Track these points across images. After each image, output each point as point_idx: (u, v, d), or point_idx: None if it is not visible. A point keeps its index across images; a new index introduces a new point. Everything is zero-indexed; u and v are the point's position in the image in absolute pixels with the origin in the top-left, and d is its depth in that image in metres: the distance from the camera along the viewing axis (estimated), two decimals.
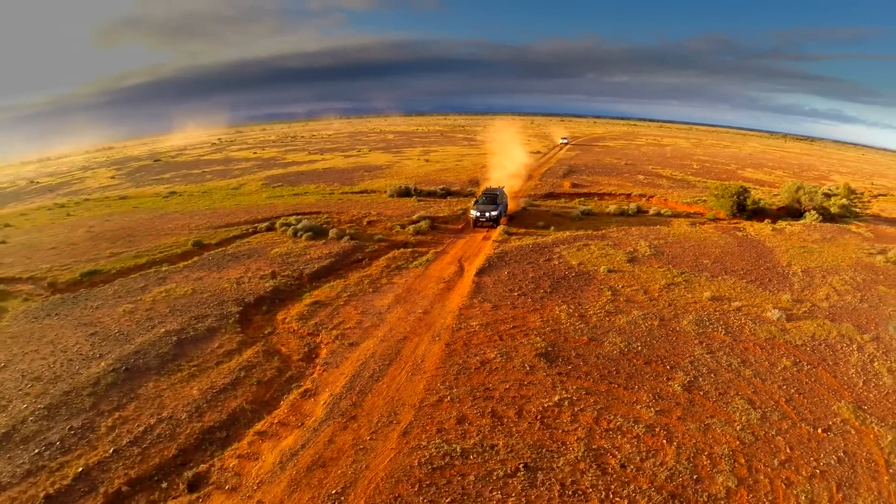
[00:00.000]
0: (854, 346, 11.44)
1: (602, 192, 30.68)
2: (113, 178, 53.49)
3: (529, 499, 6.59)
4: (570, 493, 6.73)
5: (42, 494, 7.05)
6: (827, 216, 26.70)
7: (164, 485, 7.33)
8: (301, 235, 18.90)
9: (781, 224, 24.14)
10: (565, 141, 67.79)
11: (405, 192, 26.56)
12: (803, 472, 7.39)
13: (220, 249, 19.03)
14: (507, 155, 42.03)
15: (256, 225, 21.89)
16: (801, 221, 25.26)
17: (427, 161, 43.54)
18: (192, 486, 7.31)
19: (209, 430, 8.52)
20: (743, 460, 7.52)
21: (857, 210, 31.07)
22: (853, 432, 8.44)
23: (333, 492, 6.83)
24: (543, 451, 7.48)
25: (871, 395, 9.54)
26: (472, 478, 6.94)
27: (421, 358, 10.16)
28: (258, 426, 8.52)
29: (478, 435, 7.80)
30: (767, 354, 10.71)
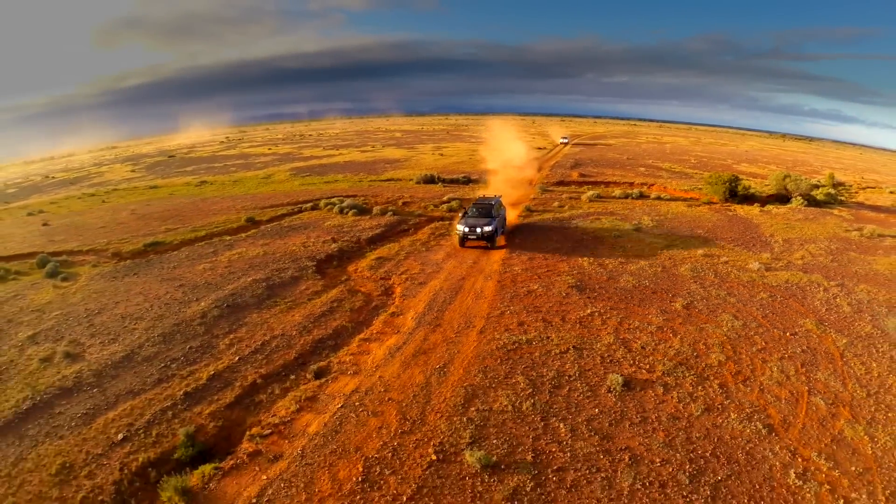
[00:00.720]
0: (821, 288, 14.35)
1: (607, 181, 33.67)
2: (133, 171, 56.15)
3: (580, 364, 9.49)
4: (608, 361, 9.65)
5: (180, 393, 9.58)
6: (812, 202, 29.70)
7: (293, 377, 9.98)
8: (347, 212, 21.75)
9: (769, 207, 27.14)
10: (565, 140, 67.22)
11: (430, 180, 29.48)
12: (775, 356, 10.26)
13: (273, 224, 21.84)
14: (514, 150, 45.03)
15: (300, 206, 24.74)
16: (788, 206, 28.28)
17: (442, 155, 46.64)
18: (318, 374, 9.95)
19: (319, 341, 11.30)
20: (729, 347, 10.40)
21: (843, 198, 34.05)
22: (815, 337, 11.31)
23: (437, 367, 9.65)
24: (584, 339, 10.41)
25: (831, 317, 12.42)
26: (536, 354, 9.84)
27: (480, 290, 13.13)
28: (361, 335, 11.34)
29: (535, 332, 10.71)
30: (748, 290, 13.64)
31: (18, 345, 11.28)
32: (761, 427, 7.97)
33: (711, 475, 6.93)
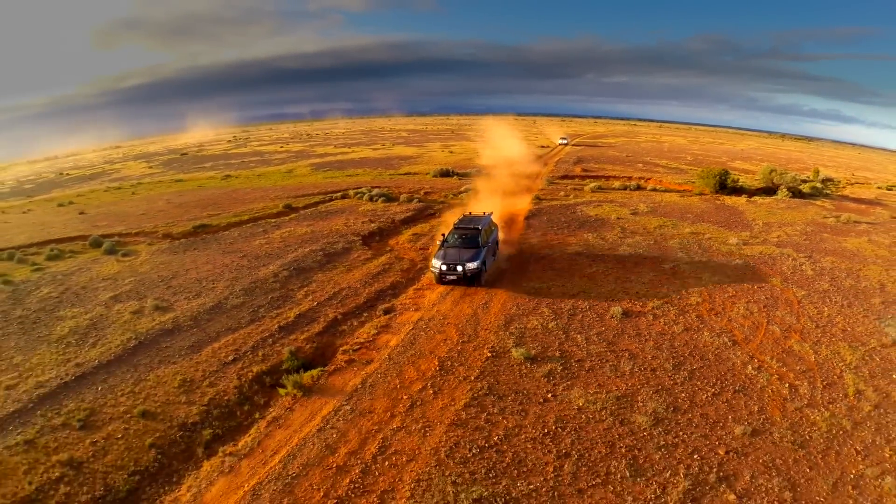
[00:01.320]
0: (790, 258, 17.22)
1: (608, 175, 36.60)
2: (150, 168, 58.80)
3: (589, 301, 12.44)
4: (611, 300, 12.62)
5: (274, 327, 12.46)
6: (798, 194, 32.63)
7: (366, 314, 12.88)
8: (377, 200, 24.60)
9: (756, 198, 30.06)
10: (564, 141, 65.57)
11: (446, 173, 32.37)
12: (743, 300, 13.14)
13: (310, 209, 24.66)
14: (519, 149, 48.04)
15: (330, 195, 27.57)
16: (774, 197, 31.21)
17: (451, 152, 49.62)
18: (387, 312, 12.88)
19: (380, 291, 14.17)
20: (706, 293, 13.31)
21: (829, 192, 37.02)
22: (778, 289, 14.18)
23: (481, 304, 12.65)
24: (591, 287, 13.39)
25: (795, 277, 15.29)
26: (555, 295, 12.77)
27: (505, 257, 16.05)
28: (414, 287, 14.27)
29: (552, 281, 13.74)
30: (726, 258, 16.54)
31: (103, 303, 13.87)
32: (727, 341, 10.85)
33: (688, 366, 9.81)
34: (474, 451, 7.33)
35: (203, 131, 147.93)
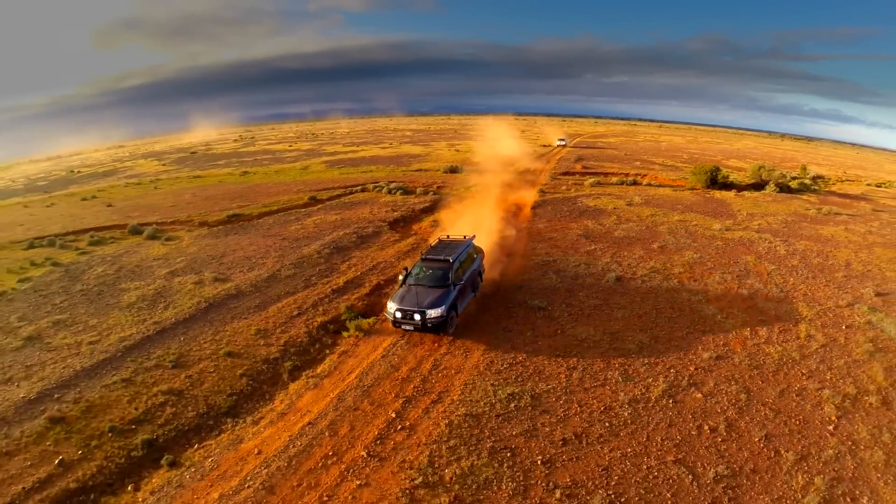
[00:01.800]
0: (767, 241, 19.73)
1: (606, 171, 39.15)
2: (163, 165, 61.11)
3: (588, 270, 14.96)
4: (606, 269, 15.21)
5: (328, 290, 14.94)
6: (785, 189, 35.19)
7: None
8: (395, 192, 27.09)
9: (744, 193, 32.59)
10: (563, 142, 63.44)
11: (455, 170, 34.83)
12: (719, 272, 15.67)
13: (334, 201, 27.12)
14: (522, 148, 50.65)
15: (350, 189, 30.03)
16: (762, 192, 33.75)
17: (458, 151, 52.18)
18: None
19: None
20: (688, 266, 15.85)
21: (816, 188, 39.63)
22: (752, 264, 16.69)
23: (501, 271, 14.94)
24: (590, 260, 16.01)
25: (768, 255, 17.79)
26: (560, 265, 15.41)
27: (515, 238, 18.47)
28: None
29: (557, 256, 16.34)
30: (709, 240, 19.07)
31: (162, 276, 16.31)
32: (702, 298, 13.40)
33: (668, 314, 12.38)
34: (504, 365, 9.87)
35: (206, 131, 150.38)
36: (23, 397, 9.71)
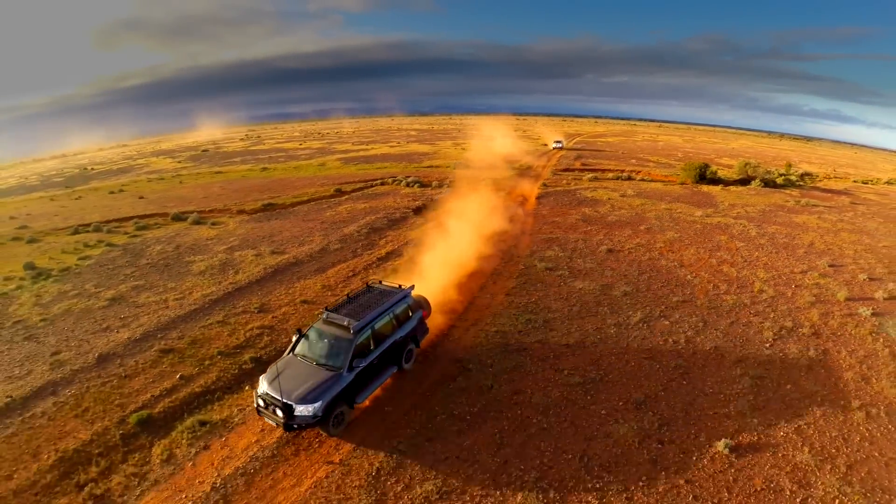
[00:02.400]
0: (741, 225, 23.09)
1: (604, 168, 42.59)
2: (179, 163, 64.26)
3: (584, 244, 18.33)
4: (600, 244, 18.64)
5: (374, 258, 18.26)
6: (770, 184, 38.64)
7: None
8: (413, 185, 30.44)
9: (731, 187, 36.00)
10: (559, 145, 61.45)
11: (464, 166, 38.16)
12: (694, 247, 19.05)
13: (358, 192, 30.41)
14: (524, 147, 54.19)
15: (370, 182, 33.37)
16: (747, 186, 37.16)
17: (463, 149, 55.62)
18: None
19: None
20: (668, 243, 19.22)
21: (801, 184, 43.09)
22: (724, 242, 20.06)
23: (513, 244, 18.30)
24: (587, 238, 19.41)
25: (740, 236, 21.16)
26: (562, 241, 18.72)
27: (524, 220, 21.95)
28: None
29: (559, 234, 19.75)
30: (689, 224, 22.47)
31: (222, 251, 19.56)
32: (677, 264, 16.77)
33: (648, 274, 15.77)
34: (521, 303, 13.28)
35: (209, 130, 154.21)
36: (128, 338, 12.60)
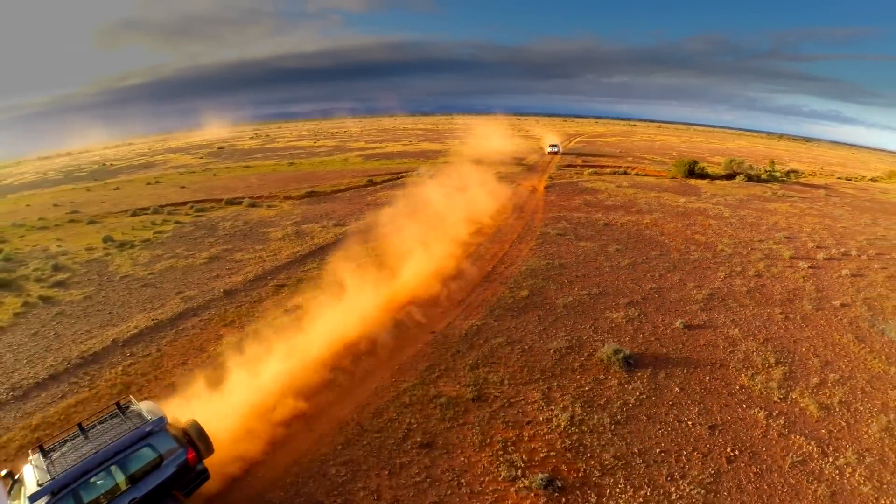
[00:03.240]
0: (718, 210, 28.23)
1: (603, 164, 47.81)
2: (200, 159, 68.75)
3: (586, 220, 23.33)
4: (599, 221, 23.49)
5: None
6: (755, 179, 43.86)
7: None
8: (437, 177, 35.36)
9: (717, 181, 41.18)
10: (555, 149, 57.62)
11: (477, 162, 43.22)
12: (674, 223, 24.16)
13: (389, 182, 35.44)
14: (528, 146, 59.35)
15: (397, 174, 38.38)
16: (732, 180, 42.36)
17: (472, 147, 60.67)
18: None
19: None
20: (654, 220, 24.33)
21: (783, 179, 48.32)
22: (700, 220, 25.26)
23: (529, 220, 23.32)
24: (588, 216, 24.66)
25: (715, 217, 26.29)
26: (567, 218, 23.83)
27: (535, 203, 26.89)
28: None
29: (565, 213, 24.82)
30: (673, 208, 27.62)
31: (288, 225, 24.35)
32: (658, 234, 21.89)
33: (636, 240, 20.95)
34: (542, 253, 18.54)
35: (214, 129, 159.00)
36: (242, 280, 17.35)
